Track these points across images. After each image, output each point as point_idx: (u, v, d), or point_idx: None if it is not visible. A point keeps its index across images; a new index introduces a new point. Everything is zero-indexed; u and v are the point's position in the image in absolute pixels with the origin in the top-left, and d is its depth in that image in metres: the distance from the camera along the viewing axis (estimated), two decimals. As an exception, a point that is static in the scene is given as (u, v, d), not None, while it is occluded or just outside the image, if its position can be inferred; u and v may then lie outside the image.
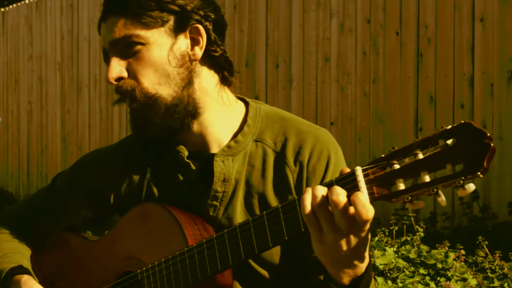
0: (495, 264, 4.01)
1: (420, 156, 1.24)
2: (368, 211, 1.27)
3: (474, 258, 4.16)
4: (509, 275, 3.88)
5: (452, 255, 3.98)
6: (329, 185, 1.32)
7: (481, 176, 1.19)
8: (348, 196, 1.29)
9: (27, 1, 9.46)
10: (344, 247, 1.33)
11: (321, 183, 1.35)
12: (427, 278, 3.88)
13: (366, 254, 1.39)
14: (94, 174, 1.73)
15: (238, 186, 1.59)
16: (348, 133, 5.70)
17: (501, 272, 3.93)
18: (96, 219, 1.77)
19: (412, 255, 4.12)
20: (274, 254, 1.56)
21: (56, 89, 8.83)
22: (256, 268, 1.57)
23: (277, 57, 6.23)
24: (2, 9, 10.16)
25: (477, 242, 4.23)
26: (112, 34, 1.55)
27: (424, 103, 5.25)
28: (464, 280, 3.82)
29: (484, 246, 4.19)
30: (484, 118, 4.95)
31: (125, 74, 1.55)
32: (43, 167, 9.02)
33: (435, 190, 1.23)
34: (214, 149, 1.61)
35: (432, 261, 3.99)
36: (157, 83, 1.54)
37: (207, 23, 1.57)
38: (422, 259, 4.07)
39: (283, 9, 6.20)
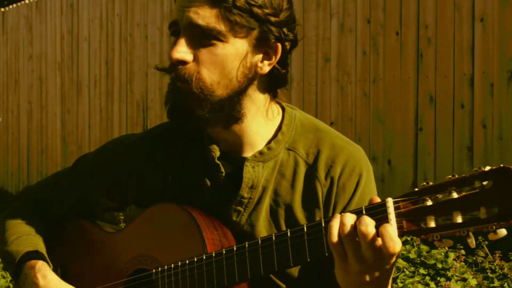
0: (495, 264, 4.00)
1: (455, 195, 1.22)
2: (395, 244, 1.25)
3: (474, 258, 4.16)
4: (509, 275, 3.88)
5: (452, 255, 3.98)
6: (358, 213, 1.30)
7: None
8: (377, 227, 1.27)
9: (27, 1, 9.46)
10: (368, 278, 1.30)
11: (351, 211, 1.32)
12: (427, 278, 3.88)
13: (389, 287, 1.37)
14: (118, 163, 1.69)
15: (265, 193, 1.56)
16: (348, 133, 5.70)
17: (501, 272, 3.93)
18: (115, 207, 1.76)
19: (412, 255, 4.12)
20: (294, 268, 1.54)
21: (56, 89, 8.83)
22: (274, 280, 1.55)
23: (277, 57, 6.22)
24: (2, 9, 10.16)
25: (477, 242, 4.22)
26: (194, 16, 1.45)
27: (424, 103, 5.25)
28: (464, 280, 3.82)
29: (484, 246, 4.19)
30: (484, 118, 4.95)
31: (190, 59, 1.48)
32: (43, 167, 9.02)
33: (466, 232, 1.21)
34: (247, 152, 1.58)
35: (432, 261, 3.99)
36: (217, 81, 1.49)
37: (286, 43, 1.54)
38: (422, 259, 4.07)
39: (283, 9, 6.19)
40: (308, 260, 1.37)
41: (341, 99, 5.78)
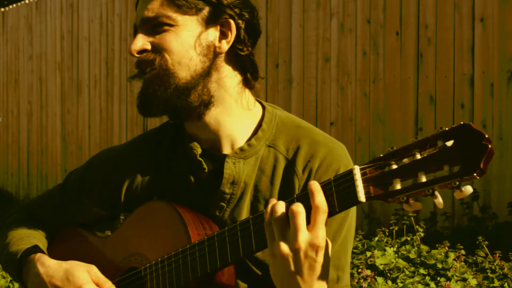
0: (495, 264, 4.01)
1: (418, 156, 1.24)
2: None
3: (474, 258, 4.16)
4: (509, 275, 3.88)
5: (452, 255, 3.98)
6: (326, 185, 1.36)
7: (478, 177, 1.18)
8: (346, 198, 1.32)
9: (27, 1, 9.46)
10: (292, 267, 1.36)
11: (320, 183, 1.37)
12: (427, 278, 3.88)
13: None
14: (106, 173, 1.73)
15: (247, 189, 1.59)
16: (348, 133, 5.70)
17: (501, 272, 3.93)
18: (108, 216, 1.79)
19: (412, 255, 4.12)
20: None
21: (56, 89, 8.83)
22: (252, 267, 1.57)
23: (277, 57, 6.23)
24: (2, 9, 10.16)
25: (477, 242, 4.23)
26: (145, 11, 1.56)
27: (424, 103, 5.25)
28: (464, 280, 3.82)
29: (484, 246, 4.19)
30: (484, 118, 4.95)
31: (149, 47, 1.57)
32: (43, 167, 9.02)
33: (431, 190, 1.23)
34: (226, 150, 1.61)
35: (432, 261, 3.99)
36: (177, 61, 1.55)
37: (239, 21, 1.58)
38: (422, 259, 4.07)
39: (283, 9, 6.20)
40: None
41: (341, 99, 5.78)
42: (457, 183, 1.20)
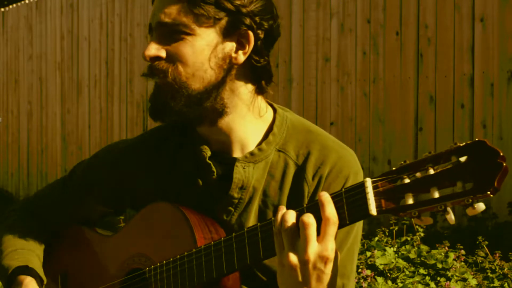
0: (495, 264, 4.01)
1: (431, 171, 1.23)
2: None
3: (474, 258, 4.16)
4: (509, 275, 3.88)
5: (452, 255, 3.98)
6: (337, 196, 1.34)
7: (491, 196, 1.17)
8: (356, 209, 1.31)
9: (27, 1, 9.46)
10: (299, 277, 1.36)
11: (331, 194, 1.36)
12: (427, 278, 3.88)
13: None
14: (109, 172, 1.71)
15: (255, 194, 1.57)
16: (348, 133, 5.70)
17: (501, 272, 3.93)
18: (111, 213, 1.78)
19: (412, 255, 4.12)
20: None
21: (56, 89, 8.83)
22: (257, 274, 1.56)
23: (277, 57, 6.23)
24: (2, 9, 10.16)
25: (477, 242, 4.23)
26: (162, 15, 1.51)
27: (424, 103, 5.25)
28: (464, 280, 3.82)
29: (484, 246, 4.19)
30: (484, 118, 4.95)
31: (163, 55, 1.53)
32: (43, 167, 9.02)
33: (443, 207, 1.22)
34: (236, 153, 1.59)
35: (432, 261, 3.99)
36: (191, 74, 1.52)
37: (259, 31, 1.53)
38: (422, 259, 4.07)
39: (283, 9, 6.20)
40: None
41: (341, 99, 5.78)
42: (470, 200, 1.19)
